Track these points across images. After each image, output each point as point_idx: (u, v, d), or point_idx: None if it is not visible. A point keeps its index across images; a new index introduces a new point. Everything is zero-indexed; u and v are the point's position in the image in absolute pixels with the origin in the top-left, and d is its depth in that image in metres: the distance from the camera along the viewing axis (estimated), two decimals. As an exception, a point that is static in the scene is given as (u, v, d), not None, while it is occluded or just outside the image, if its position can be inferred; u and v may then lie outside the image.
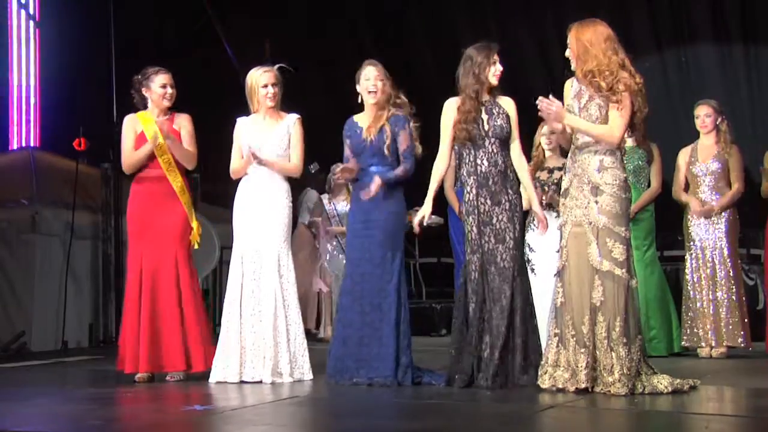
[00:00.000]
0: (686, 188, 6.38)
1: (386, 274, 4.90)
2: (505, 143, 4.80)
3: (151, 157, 5.21)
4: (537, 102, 4.41)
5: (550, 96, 4.40)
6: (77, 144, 7.98)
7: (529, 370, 4.61)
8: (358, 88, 5.04)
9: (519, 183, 4.84)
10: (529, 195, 4.92)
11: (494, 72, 4.78)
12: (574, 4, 8.12)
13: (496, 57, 4.78)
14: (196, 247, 5.25)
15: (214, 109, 7.15)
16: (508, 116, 4.79)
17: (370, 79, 4.98)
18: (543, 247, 5.76)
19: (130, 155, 5.23)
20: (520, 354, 4.64)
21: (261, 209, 5.14)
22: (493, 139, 4.78)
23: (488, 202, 4.76)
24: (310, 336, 8.30)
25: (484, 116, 4.79)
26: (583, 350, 4.32)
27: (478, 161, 4.79)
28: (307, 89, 8.70)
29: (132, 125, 5.27)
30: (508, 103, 4.83)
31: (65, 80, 8.50)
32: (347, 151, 5.08)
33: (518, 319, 4.66)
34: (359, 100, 5.07)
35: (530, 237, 5.97)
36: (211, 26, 9.35)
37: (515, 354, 4.65)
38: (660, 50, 8.77)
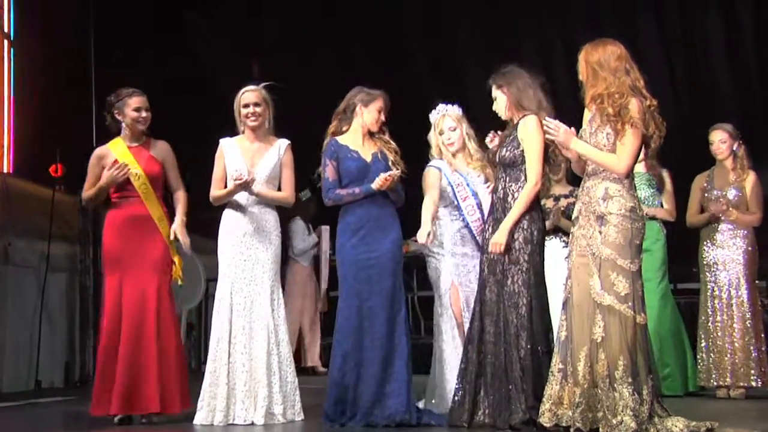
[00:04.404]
0: (700, 218, 6.43)
1: (396, 304, 4.97)
2: (512, 169, 4.77)
3: (128, 182, 5.22)
4: (544, 124, 4.45)
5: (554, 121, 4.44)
6: (54, 170, 7.96)
7: (501, 412, 4.58)
8: (360, 109, 5.09)
9: (528, 211, 4.73)
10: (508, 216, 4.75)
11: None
12: (582, 26, 8.21)
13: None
14: (180, 283, 5.24)
15: (198, 131, 7.16)
16: (517, 139, 4.76)
17: (381, 111, 5.09)
18: (551, 278, 5.78)
19: (88, 188, 5.27)
20: (494, 395, 4.63)
21: (251, 240, 5.15)
22: (498, 166, 4.85)
23: (490, 229, 4.81)
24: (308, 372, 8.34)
25: (506, 141, 4.83)
26: (576, 389, 4.31)
27: (493, 189, 4.90)
28: (297, 111, 8.73)
29: (96, 160, 5.29)
30: (521, 125, 4.77)
31: (41, 102, 8.49)
32: (333, 175, 5.08)
33: (499, 358, 4.64)
34: (347, 124, 5.13)
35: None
36: (196, 47, 9.39)
37: (488, 393, 4.66)
38: (672, 72, 8.84)
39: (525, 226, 4.72)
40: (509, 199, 4.75)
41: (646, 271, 5.91)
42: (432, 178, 5.32)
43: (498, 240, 4.68)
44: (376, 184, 4.95)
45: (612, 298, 4.33)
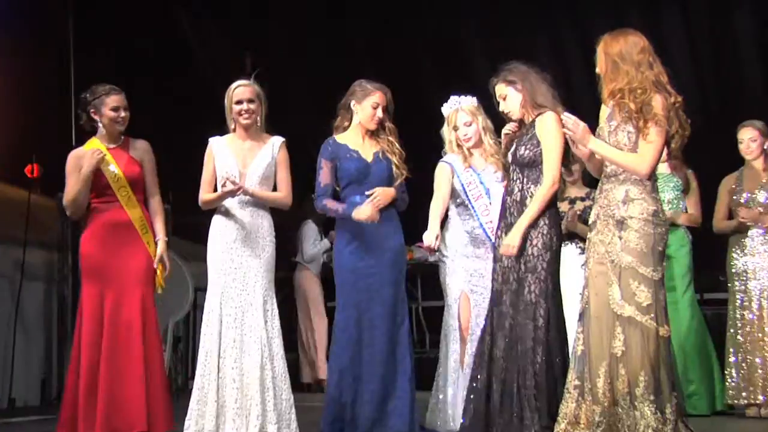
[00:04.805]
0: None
1: (398, 317, 4.99)
2: (531, 170, 4.75)
3: (108, 187, 5.24)
4: (562, 119, 4.45)
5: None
6: (29, 170, 7.97)
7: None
8: (355, 106, 5.10)
9: (547, 215, 4.70)
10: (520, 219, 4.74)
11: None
12: (598, 16, 8.19)
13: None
14: (158, 291, 5.23)
15: (186, 130, 7.15)
16: (535, 138, 4.74)
17: (378, 108, 5.08)
18: (566, 288, 5.77)
19: (71, 191, 5.26)
20: (505, 414, 4.62)
21: (242, 246, 5.15)
22: (514, 166, 4.83)
23: (503, 235, 4.78)
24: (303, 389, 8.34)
25: (520, 140, 4.82)
26: (596, 407, 4.29)
27: (505, 190, 4.88)
28: (292, 107, 8.75)
29: (75, 161, 5.28)
30: (539, 122, 4.74)
31: (16, 98, 8.51)
32: (327, 179, 5.10)
33: (511, 375, 4.63)
34: (347, 119, 5.16)
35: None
36: (183, 39, 9.40)
37: (497, 413, 4.64)
38: (698, 66, 8.82)
39: (545, 231, 4.70)
40: (528, 201, 4.74)
41: (670, 279, 5.95)
42: (442, 174, 5.31)
43: (511, 242, 4.66)
44: (356, 214, 4.95)
45: (633, 309, 4.31)
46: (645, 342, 4.30)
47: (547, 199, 4.69)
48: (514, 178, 4.81)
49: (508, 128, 4.92)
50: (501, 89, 4.86)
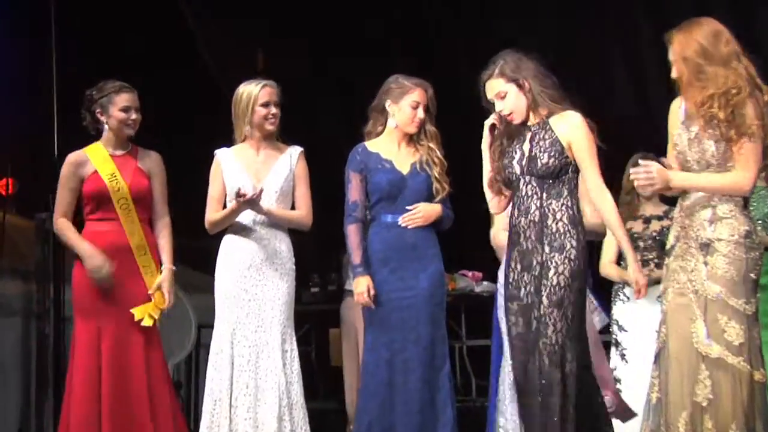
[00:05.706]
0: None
1: (438, 359, 4.99)
2: (554, 182, 4.55)
3: (105, 202, 5.26)
4: (631, 175, 4.31)
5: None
6: (3, 186, 8.03)
7: None
8: (391, 107, 5.09)
9: (574, 236, 4.51)
10: (621, 247, 4.77)
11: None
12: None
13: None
14: (145, 322, 5.21)
15: (188, 142, 7.19)
16: (559, 142, 4.55)
17: (419, 107, 5.07)
18: (638, 325, 5.73)
19: (61, 205, 5.31)
20: None
21: (257, 274, 5.18)
22: (527, 178, 4.61)
23: (518, 266, 4.57)
24: None
25: (526, 146, 4.62)
26: None
27: (513, 211, 4.65)
28: (312, 112, 8.79)
29: (73, 169, 5.32)
30: (564, 123, 4.54)
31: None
32: (356, 194, 5.10)
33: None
34: (381, 123, 5.17)
35: (619, 310, 5.94)
36: (187, 36, 9.47)
37: None
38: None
39: (573, 256, 4.47)
40: (549, 221, 4.51)
41: (765, 314, 5.87)
42: None
43: (641, 280, 4.58)
44: (356, 287, 5.04)
45: (722, 349, 4.26)
46: (737, 388, 4.25)
47: (618, 212, 4.63)
48: (529, 194, 4.58)
49: (492, 119, 4.74)
50: (498, 86, 4.64)
